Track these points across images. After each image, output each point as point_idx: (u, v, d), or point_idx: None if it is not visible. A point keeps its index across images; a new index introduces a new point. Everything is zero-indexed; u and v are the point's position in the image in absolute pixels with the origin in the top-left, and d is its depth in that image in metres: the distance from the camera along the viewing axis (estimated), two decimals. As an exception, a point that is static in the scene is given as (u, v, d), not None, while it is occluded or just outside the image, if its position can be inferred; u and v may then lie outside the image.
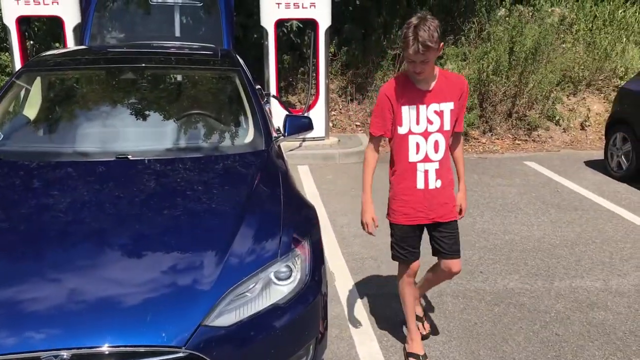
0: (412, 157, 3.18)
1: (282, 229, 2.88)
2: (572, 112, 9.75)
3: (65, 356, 2.20)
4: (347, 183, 7.07)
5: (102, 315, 2.33)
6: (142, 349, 2.27)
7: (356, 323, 3.88)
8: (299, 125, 4.27)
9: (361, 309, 4.07)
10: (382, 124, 3.20)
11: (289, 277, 2.71)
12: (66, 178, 3.29)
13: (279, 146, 4.02)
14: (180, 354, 2.31)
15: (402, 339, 3.70)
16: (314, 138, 8.30)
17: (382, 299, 4.24)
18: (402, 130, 3.16)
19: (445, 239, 3.31)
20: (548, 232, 5.51)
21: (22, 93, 4.32)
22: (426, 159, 3.18)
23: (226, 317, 2.46)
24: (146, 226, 2.83)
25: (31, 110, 4.39)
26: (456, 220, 3.34)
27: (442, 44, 2.95)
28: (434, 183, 3.21)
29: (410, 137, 3.15)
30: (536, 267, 4.77)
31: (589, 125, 9.68)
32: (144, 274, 2.54)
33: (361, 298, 4.24)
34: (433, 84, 3.12)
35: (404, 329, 3.68)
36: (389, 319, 3.98)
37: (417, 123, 3.13)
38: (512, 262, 4.65)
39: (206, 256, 2.63)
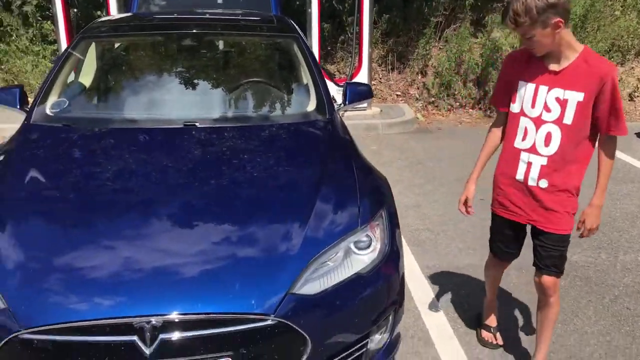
0: (518, 142, 2.79)
1: (359, 198, 2.82)
2: (620, 83, 9.45)
3: (156, 323, 2.18)
4: (392, 154, 6.97)
5: (192, 283, 2.31)
6: (231, 317, 2.24)
7: (420, 295, 3.84)
8: (359, 92, 4.17)
9: (423, 281, 4.02)
10: (501, 97, 2.86)
11: (368, 247, 2.66)
12: (134, 146, 3.26)
13: (340, 115, 3.95)
14: (269, 322, 2.27)
15: (468, 311, 3.65)
16: (356, 108, 8.18)
17: (443, 272, 4.18)
18: (514, 108, 2.79)
19: (542, 249, 2.85)
20: (607, 204, 5.36)
21: (78, 61, 4.29)
22: (532, 150, 2.74)
23: (311, 285, 2.42)
24: (224, 195, 2.79)
25: (87, 78, 4.37)
26: (564, 235, 2.81)
27: (554, 19, 2.47)
28: (536, 181, 2.76)
29: (522, 119, 2.75)
30: (598, 240, 4.65)
31: (638, 96, 9.39)
32: (230, 243, 2.50)
33: (422, 270, 4.18)
34: (566, 64, 2.62)
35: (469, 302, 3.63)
36: (452, 290, 3.92)
37: (532, 106, 2.71)
38: (573, 235, 4.52)
39: (288, 225, 2.59)
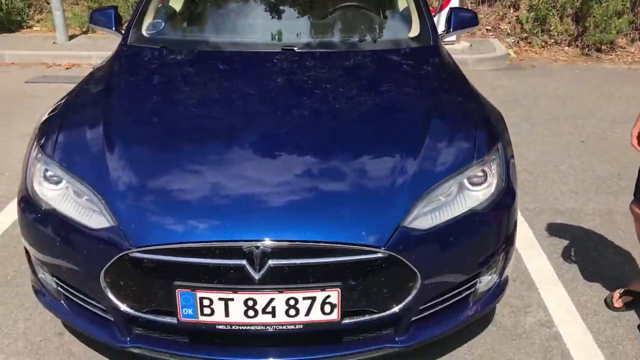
0: None
1: (475, 130, 2.63)
2: None
3: (265, 248, 2.12)
4: (483, 91, 6.60)
5: (303, 211, 2.22)
6: (341, 247, 2.14)
7: (520, 237, 3.63)
8: (464, 19, 3.90)
9: (523, 223, 3.81)
10: None
11: (484, 182, 2.48)
12: (232, 69, 3.15)
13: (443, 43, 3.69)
14: (379, 255, 2.17)
15: (572, 257, 3.44)
16: (444, 42, 7.78)
17: (545, 215, 3.95)
18: None
19: None
20: None
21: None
22: None
23: (423, 220, 2.28)
24: (331, 124, 2.67)
25: (177, 2, 4.27)
26: None
27: None
28: None
29: None
30: None
31: None
32: (340, 173, 2.39)
33: (521, 212, 3.96)
34: None
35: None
36: (555, 235, 3.70)
37: None
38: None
39: (400, 157, 2.44)
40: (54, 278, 2.50)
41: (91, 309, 2.46)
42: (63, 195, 2.42)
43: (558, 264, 3.39)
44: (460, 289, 2.47)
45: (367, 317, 2.28)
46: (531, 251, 3.49)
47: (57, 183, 2.47)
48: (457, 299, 2.49)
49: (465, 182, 2.44)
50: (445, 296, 2.43)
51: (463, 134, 2.61)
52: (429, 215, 2.31)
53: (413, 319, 2.37)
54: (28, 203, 2.48)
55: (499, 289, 2.63)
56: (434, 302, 2.41)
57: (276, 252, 2.13)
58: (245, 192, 2.29)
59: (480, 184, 2.47)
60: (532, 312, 2.97)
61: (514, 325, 2.88)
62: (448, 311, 2.49)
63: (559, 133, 5.40)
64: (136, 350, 2.36)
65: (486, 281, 2.55)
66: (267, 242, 2.12)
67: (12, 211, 3.88)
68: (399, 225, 2.22)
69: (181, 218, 2.20)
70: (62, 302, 2.55)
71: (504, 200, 2.48)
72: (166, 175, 2.38)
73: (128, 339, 2.37)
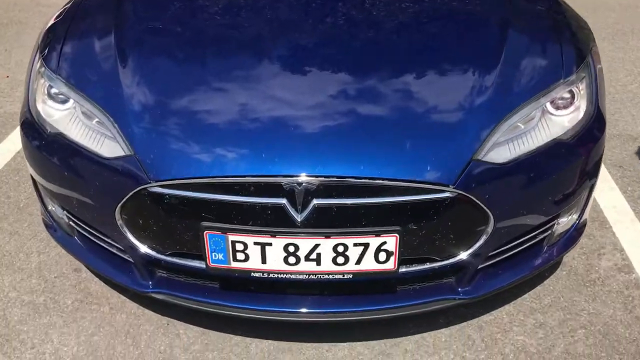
0: None
1: (561, 43, 2.17)
2: None
3: (309, 185, 1.75)
4: None
5: (354, 140, 1.83)
6: (402, 184, 1.77)
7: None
8: None
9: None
10: None
11: (570, 105, 2.05)
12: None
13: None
14: (447, 194, 1.79)
15: (651, 190, 3.03)
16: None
17: (615, 142, 3.50)
18: None
19: None
20: None
21: None
22: None
23: (499, 152, 1.88)
24: (387, 34, 2.23)
25: None
26: None
27: None
28: None
29: None
30: None
31: None
32: (399, 94, 1.98)
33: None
34: None
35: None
36: (629, 165, 3.27)
37: None
38: None
39: (472, 75, 2.02)
40: (65, 212, 2.18)
41: (108, 247, 2.15)
42: (71, 117, 2.06)
43: (634, 198, 2.98)
44: (536, 232, 2.09)
45: (427, 266, 1.94)
46: (602, 184, 3.07)
47: (63, 102, 2.11)
48: (530, 243, 2.13)
49: (549, 105, 2.01)
50: (518, 241, 2.07)
51: (547, 47, 2.16)
52: (505, 146, 1.90)
53: (479, 267, 2.02)
54: (31, 126, 2.13)
55: (577, 232, 2.25)
56: (505, 247, 2.05)
57: (322, 190, 1.76)
58: (286, 116, 1.90)
59: (565, 107, 2.05)
60: (606, 255, 2.60)
61: (587, 269, 2.52)
62: (519, 258, 2.13)
63: (626, 49, 4.83)
64: (159, 297, 2.07)
65: (564, 223, 2.17)
66: (312, 178, 1.75)
67: (24, 131, 3.56)
68: (471, 159, 1.82)
69: (209, 147, 1.84)
70: (76, 238, 2.25)
71: (593, 128, 2.06)
72: (190, 94, 1.99)
73: (150, 283, 2.08)
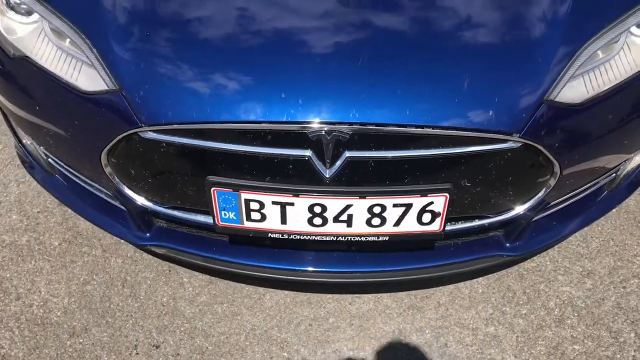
0: None
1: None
2: None
3: (341, 134, 1.40)
4: None
5: (397, 79, 1.44)
6: (455, 133, 1.41)
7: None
8: None
9: None
10: None
11: (656, 25, 1.65)
12: None
13: None
14: (510, 144, 1.45)
15: None
16: None
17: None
18: None
19: None
20: None
21: None
22: None
23: (575, 89, 1.51)
24: None
25: None
26: None
27: None
28: None
29: None
30: None
31: None
32: (451, 18, 1.56)
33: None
34: None
35: None
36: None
37: None
38: None
39: (541, 3, 1.58)
40: (42, 148, 1.84)
41: (95, 192, 1.83)
42: (38, 34, 1.64)
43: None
44: (599, 178, 1.78)
45: (476, 223, 1.64)
46: None
47: (28, 13, 1.68)
48: (590, 191, 1.82)
49: (634, 29, 1.61)
50: (580, 189, 1.76)
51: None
52: (581, 80, 1.53)
53: (533, 219, 1.73)
54: (-9, 43, 1.71)
55: (638, 177, 1.94)
56: (565, 197, 1.75)
57: (357, 140, 1.41)
58: (313, 48, 1.49)
59: (651, 27, 1.64)
60: (660, 189, 2.31)
61: (639, 208, 2.24)
62: (576, 207, 1.83)
63: None
64: (159, 250, 1.78)
65: (629, 166, 1.85)
66: (344, 125, 1.39)
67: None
68: (542, 100, 1.46)
69: (216, 83, 1.45)
70: (57, 176, 1.91)
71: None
72: (191, 12, 1.57)
73: (147, 234, 1.79)
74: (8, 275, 2.02)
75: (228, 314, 1.92)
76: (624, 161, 1.79)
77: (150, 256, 2.07)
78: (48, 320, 1.90)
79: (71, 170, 1.81)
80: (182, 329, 1.88)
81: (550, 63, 1.48)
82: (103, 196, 1.81)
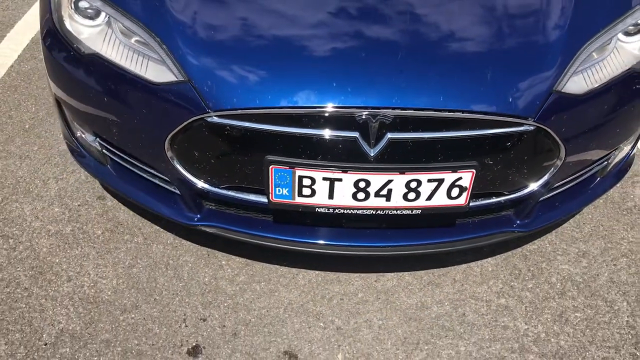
0: None
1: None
2: None
3: (384, 118, 1.64)
4: None
5: (432, 71, 1.70)
6: (481, 117, 1.67)
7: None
8: None
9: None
10: None
11: (638, 32, 1.95)
12: None
13: None
14: (526, 127, 1.71)
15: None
16: None
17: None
18: None
19: None
20: None
21: None
22: None
23: (576, 82, 1.79)
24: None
25: None
26: None
27: None
28: None
29: None
30: None
31: None
32: (479, 26, 1.84)
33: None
34: None
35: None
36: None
37: None
38: None
39: (550, 5, 1.87)
40: (98, 140, 2.02)
41: (148, 177, 2.02)
42: (104, 35, 1.85)
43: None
44: (595, 164, 2.06)
45: (494, 199, 1.89)
46: None
47: (92, 17, 1.89)
48: (586, 176, 2.09)
49: (621, 35, 1.91)
50: (579, 173, 2.03)
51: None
52: (581, 76, 1.81)
53: (539, 200, 1.98)
54: (59, 43, 1.91)
55: (627, 164, 2.23)
56: (567, 180, 2.01)
57: (397, 123, 1.65)
58: (361, 43, 1.74)
59: (635, 33, 1.94)
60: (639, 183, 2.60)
61: (622, 197, 2.52)
62: (574, 190, 2.10)
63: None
64: (209, 230, 1.97)
65: (619, 155, 2.13)
66: (387, 110, 1.63)
67: (17, 38, 3.26)
68: (552, 90, 1.73)
69: (276, 73, 1.68)
70: (109, 166, 2.09)
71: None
72: (252, 11, 1.80)
73: (198, 216, 1.97)
74: (57, 260, 2.17)
75: (266, 291, 2.11)
76: (615, 149, 2.06)
77: (189, 242, 2.25)
78: (100, 298, 2.06)
79: (127, 158, 1.99)
80: (225, 304, 2.06)
81: (557, 60, 1.76)
82: (157, 181, 1.99)
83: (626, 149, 2.15)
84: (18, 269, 2.13)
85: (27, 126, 2.74)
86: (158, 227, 2.30)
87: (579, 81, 1.79)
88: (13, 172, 2.50)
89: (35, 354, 1.89)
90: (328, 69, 1.68)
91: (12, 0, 3.54)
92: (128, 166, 2.03)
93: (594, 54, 1.85)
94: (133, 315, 2.02)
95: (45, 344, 1.92)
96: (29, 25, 3.37)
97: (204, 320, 2.01)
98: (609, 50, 1.87)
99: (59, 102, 2.07)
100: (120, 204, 2.39)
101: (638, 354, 1.98)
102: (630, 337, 2.02)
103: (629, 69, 1.87)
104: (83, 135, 2.07)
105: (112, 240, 2.25)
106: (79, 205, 2.38)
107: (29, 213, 2.34)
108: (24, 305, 2.02)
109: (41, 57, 3.11)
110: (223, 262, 2.19)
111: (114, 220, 2.33)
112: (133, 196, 2.05)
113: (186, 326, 1.99)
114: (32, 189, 2.43)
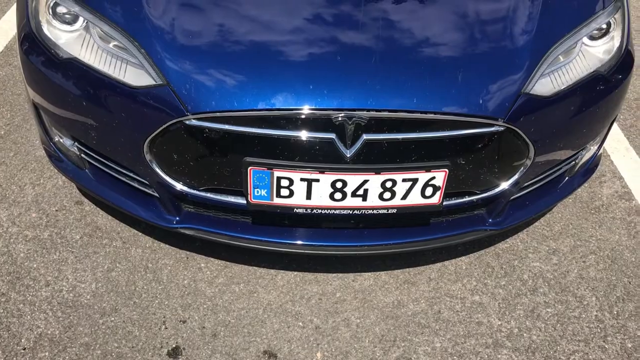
0: None
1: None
2: None
3: (360, 119, 1.68)
4: None
5: (405, 74, 1.76)
6: (453, 118, 1.72)
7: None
8: None
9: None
10: None
11: (604, 36, 2.03)
12: None
13: None
14: (496, 128, 1.77)
15: (642, 118, 3.12)
16: None
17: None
18: None
19: None
20: None
21: None
22: None
23: (544, 84, 1.86)
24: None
25: None
26: None
27: None
28: None
29: None
30: None
31: None
32: (450, 27, 1.90)
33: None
34: None
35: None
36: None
37: None
38: None
39: (517, 10, 1.94)
40: (76, 144, 2.03)
41: (127, 181, 2.03)
42: (82, 40, 1.87)
43: (626, 127, 3.06)
44: (562, 164, 2.13)
45: (467, 198, 1.95)
46: (617, 144, 3.11)
47: (70, 22, 1.91)
48: (554, 175, 2.16)
49: (585, 38, 1.99)
50: (547, 173, 2.10)
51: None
52: (548, 78, 1.88)
53: (510, 199, 2.05)
54: (36, 48, 1.92)
55: (594, 164, 2.31)
56: (536, 179, 2.08)
57: (373, 125, 1.70)
58: (336, 47, 1.79)
59: (600, 37, 2.02)
60: (607, 183, 2.69)
61: (590, 197, 2.61)
62: (544, 189, 2.17)
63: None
64: (188, 232, 1.99)
65: (586, 155, 2.21)
66: (362, 112, 1.68)
67: (-11, 48, 3.25)
68: (520, 92, 1.79)
69: (253, 77, 1.72)
70: (87, 171, 2.10)
71: (626, 59, 2.06)
72: (228, 16, 1.84)
73: (177, 218, 2.00)
74: (35, 265, 2.17)
75: (245, 292, 2.13)
76: (582, 149, 2.14)
77: (168, 245, 2.26)
78: (79, 302, 2.06)
79: (105, 162, 2.00)
80: (204, 306, 2.08)
81: (525, 63, 1.83)
82: (136, 184, 2.01)
83: (593, 149, 2.22)
84: (-5, 275, 2.13)
85: (2, 132, 2.73)
86: (136, 231, 2.31)
87: (547, 83, 1.86)
88: (-11, 178, 2.49)
89: (14, 358, 1.89)
90: (305, 72, 1.73)
91: (-14, 7, 3.52)
92: (106, 170, 2.04)
93: (560, 57, 1.92)
94: (112, 319, 2.03)
95: (24, 349, 1.92)
96: (3, 31, 3.36)
97: (184, 322, 2.03)
98: (575, 53, 1.94)
99: (36, 107, 2.07)
100: (98, 208, 2.39)
101: (606, 346, 2.05)
102: (599, 330, 2.09)
103: (593, 71, 1.95)
104: (61, 140, 2.08)
105: (90, 245, 2.26)
106: (56, 210, 2.38)
107: (6, 219, 2.33)
108: (2, 311, 2.02)
109: (16, 64, 3.11)
110: (202, 265, 2.21)
111: (92, 225, 2.33)
112: (112, 200, 2.07)
113: (166, 328, 2.01)
114: (8, 195, 2.43)
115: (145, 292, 2.11)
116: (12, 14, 3.42)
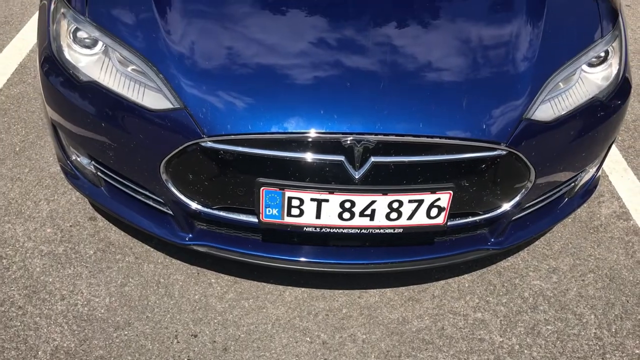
0: None
1: (598, 2, 2.20)
2: None
3: (368, 143, 1.76)
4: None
5: (412, 99, 1.84)
6: (457, 142, 1.80)
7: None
8: None
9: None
10: None
11: (602, 63, 2.11)
12: None
13: None
14: (499, 152, 1.84)
15: (640, 140, 3.20)
16: None
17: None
18: None
19: None
20: None
21: None
22: None
23: (544, 110, 1.94)
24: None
25: None
26: None
27: None
28: None
29: None
30: None
31: None
32: (453, 54, 1.98)
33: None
34: None
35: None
36: None
37: None
38: None
39: (518, 35, 2.03)
40: (93, 163, 2.10)
41: (142, 199, 2.10)
42: (101, 63, 1.95)
43: (624, 148, 3.14)
44: (562, 186, 2.20)
45: (470, 219, 2.02)
46: (615, 165, 3.19)
47: (89, 46, 1.99)
48: (555, 197, 2.24)
49: (584, 66, 2.07)
50: (547, 194, 2.17)
51: (585, 5, 2.18)
52: (548, 104, 1.96)
53: (512, 219, 2.12)
54: (57, 71, 2.00)
55: (593, 185, 2.38)
56: (537, 200, 2.15)
57: (380, 148, 1.78)
58: (346, 73, 1.87)
59: (598, 65, 2.11)
60: (605, 203, 2.76)
61: (589, 217, 2.68)
62: (544, 210, 2.24)
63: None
64: (201, 249, 2.06)
65: (585, 177, 2.28)
66: (371, 136, 1.76)
67: (5, 62, 3.32)
68: (522, 118, 1.87)
69: (267, 101, 1.80)
70: (103, 188, 2.18)
71: (624, 85, 2.15)
72: (243, 43, 1.92)
73: (190, 235, 2.07)
74: (51, 280, 2.24)
75: (254, 308, 2.20)
76: (581, 172, 2.21)
77: (179, 261, 2.33)
78: (93, 316, 2.13)
79: (122, 181, 2.08)
80: (215, 321, 2.14)
81: (527, 89, 1.91)
82: (151, 202, 2.08)
83: (592, 171, 2.30)
84: (12, 288, 2.19)
85: (17, 149, 2.81)
86: (149, 247, 2.38)
87: (547, 109, 1.94)
88: (5, 194, 2.56)
89: (31, 370, 1.95)
90: (315, 97, 1.81)
91: (0, 26, 3.61)
92: (122, 188, 2.12)
93: (560, 83, 2.00)
94: (126, 332, 2.09)
95: (41, 361, 1.98)
96: (18, 49, 3.44)
97: (195, 336, 2.09)
98: (574, 80, 2.03)
99: (54, 126, 2.15)
100: (111, 224, 2.46)
101: (605, 363, 2.11)
102: (597, 348, 2.15)
103: (592, 97, 2.03)
104: (78, 158, 2.15)
105: (104, 260, 2.33)
106: (70, 225, 2.45)
107: (22, 234, 2.40)
108: (19, 324, 2.08)
109: (30, 81, 3.20)
110: (212, 280, 2.28)
111: (106, 241, 2.40)
112: (127, 217, 2.14)
113: (178, 342, 2.07)
114: (24, 211, 2.50)
115: (157, 306, 2.18)
116: (26, 31, 3.51)
